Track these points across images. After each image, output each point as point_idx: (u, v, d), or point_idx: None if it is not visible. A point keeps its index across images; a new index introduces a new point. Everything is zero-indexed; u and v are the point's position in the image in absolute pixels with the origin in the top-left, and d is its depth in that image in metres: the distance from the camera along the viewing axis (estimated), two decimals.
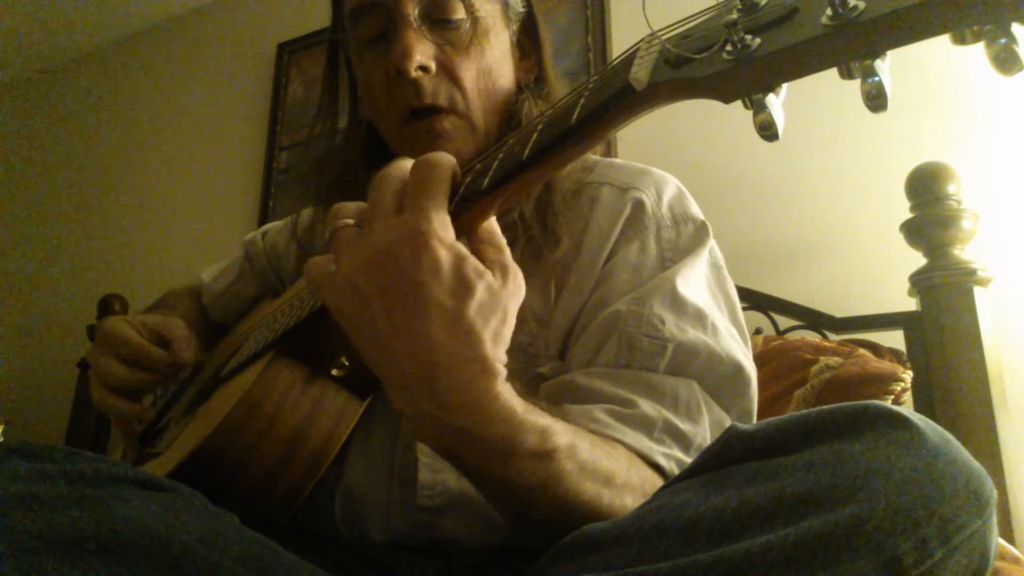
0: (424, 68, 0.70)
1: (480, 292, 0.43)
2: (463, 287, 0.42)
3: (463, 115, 0.73)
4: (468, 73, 0.72)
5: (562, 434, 0.49)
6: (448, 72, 0.72)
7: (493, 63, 0.75)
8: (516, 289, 0.46)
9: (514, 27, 0.79)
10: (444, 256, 0.42)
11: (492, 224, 0.47)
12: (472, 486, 0.63)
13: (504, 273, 0.45)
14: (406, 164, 0.46)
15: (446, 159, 0.45)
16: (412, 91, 0.70)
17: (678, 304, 0.64)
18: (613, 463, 0.54)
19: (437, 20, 0.72)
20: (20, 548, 0.37)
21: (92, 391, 0.77)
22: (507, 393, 0.46)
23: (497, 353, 0.45)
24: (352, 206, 0.47)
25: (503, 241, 0.47)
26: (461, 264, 0.43)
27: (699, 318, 0.64)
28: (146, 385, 0.75)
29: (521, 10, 0.80)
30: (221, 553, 0.42)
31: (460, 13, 0.72)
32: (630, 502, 0.52)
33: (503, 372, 0.46)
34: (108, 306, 2.02)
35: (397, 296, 0.42)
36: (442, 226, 0.43)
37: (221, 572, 0.41)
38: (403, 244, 0.42)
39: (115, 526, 0.39)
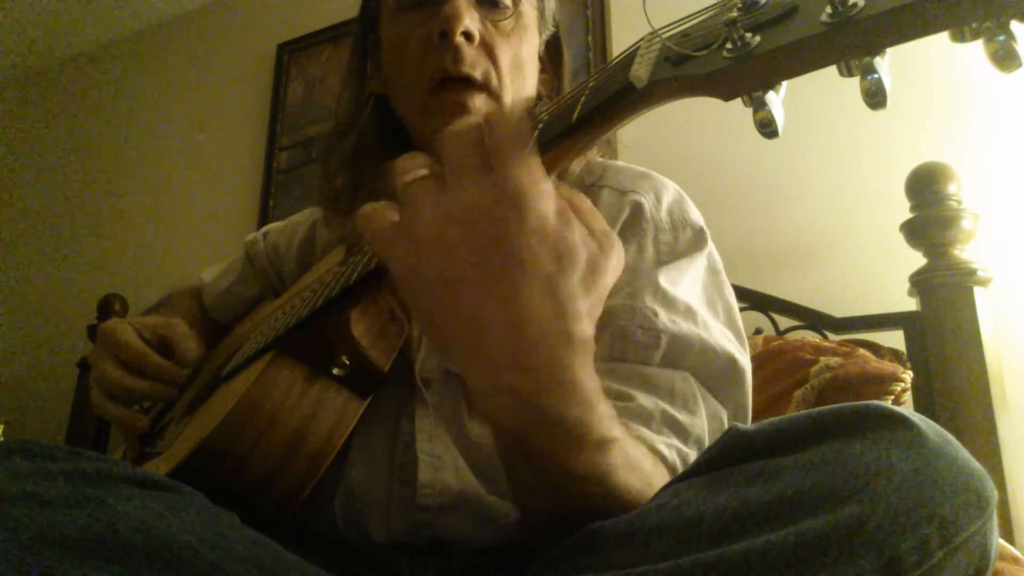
0: (468, 35, 0.71)
1: (583, 262, 0.40)
2: (569, 254, 0.39)
3: (495, 95, 0.73)
4: (505, 56, 0.73)
5: (618, 424, 0.47)
6: (487, 49, 0.73)
7: (526, 59, 0.76)
8: (618, 263, 0.43)
9: (543, 38, 0.81)
10: (552, 218, 0.39)
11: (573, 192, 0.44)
12: (475, 484, 0.63)
13: (608, 243, 0.42)
14: (475, 120, 0.42)
15: (526, 115, 0.41)
16: (451, 56, 0.71)
17: (668, 300, 0.64)
18: (648, 462, 0.52)
19: (486, 0, 0.74)
20: (20, 547, 0.37)
21: (91, 393, 0.77)
22: (593, 372, 0.43)
23: (591, 329, 0.42)
24: (422, 158, 0.43)
25: (589, 204, 0.44)
26: (567, 229, 0.39)
27: (689, 313, 0.64)
28: (141, 392, 0.74)
29: (552, 28, 0.83)
30: (222, 552, 0.42)
31: (508, 0, 0.74)
32: None
33: (593, 348, 0.43)
34: (108, 306, 2.02)
35: (496, 259, 0.38)
36: (546, 184, 0.39)
37: (221, 572, 0.41)
38: (506, 202, 0.38)
39: (115, 525, 0.39)
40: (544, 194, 0.39)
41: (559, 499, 0.48)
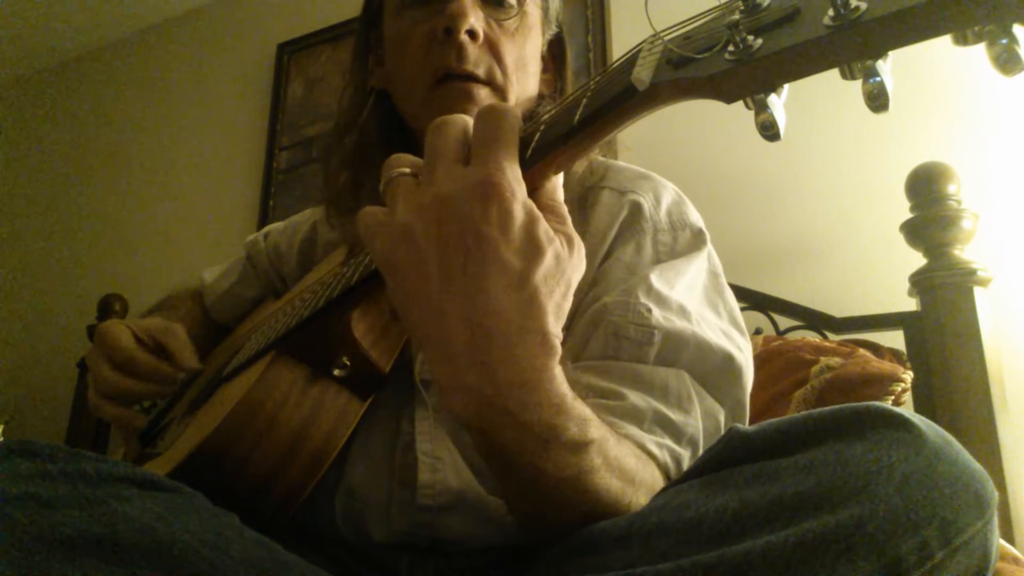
0: (472, 34, 0.71)
1: (549, 258, 0.39)
2: (533, 249, 0.39)
3: (500, 90, 0.73)
4: (510, 54, 0.74)
5: (597, 426, 0.47)
6: (492, 47, 0.73)
7: (529, 58, 0.77)
8: (579, 262, 0.42)
9: (546, 38, 0.82)
10: (517, 212, 0.38)
11: (555, 192, 0.44)
12: (475, 484, 0.63)
13: (570, 243, 0.42)
14: (464, 116, 0.43)
15: (514, 110, 0.41)
16: (455, 54, 0.71)
17: (662, 298, 0.64)
18: (632, 460, 0.52)
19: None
20: (20, 548, 0.37)
21: (88, 394, 0.77)
22: (560, 375, 0.43)
23: (557, 329, 0.41)
24: (408, 157, 0.44)
25: (565, 211, 0.44)
26: (533, 224, 0.39)
27: (683, 312, 0.64)
28: (136, 393, 0.74)
29: (555, 28, 0.83)
30: (221, 553, 0.42)
31: (513, 0, 0.75)
32: (644, 502, 0.51)
33: (560, 351, 0.42)
34: (108, 306, 2.02)
35: (458, 250, 0.38)
36: (516, 179, 0.39)
37: (221, 572, 0.41)
38: (471, 194, 0.38)
39: (115, 526, 0.39)
40: (511, 189, 0.39)
41: (536, 497, 0.48)
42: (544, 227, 0.40)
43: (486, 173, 0.39)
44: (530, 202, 0.40)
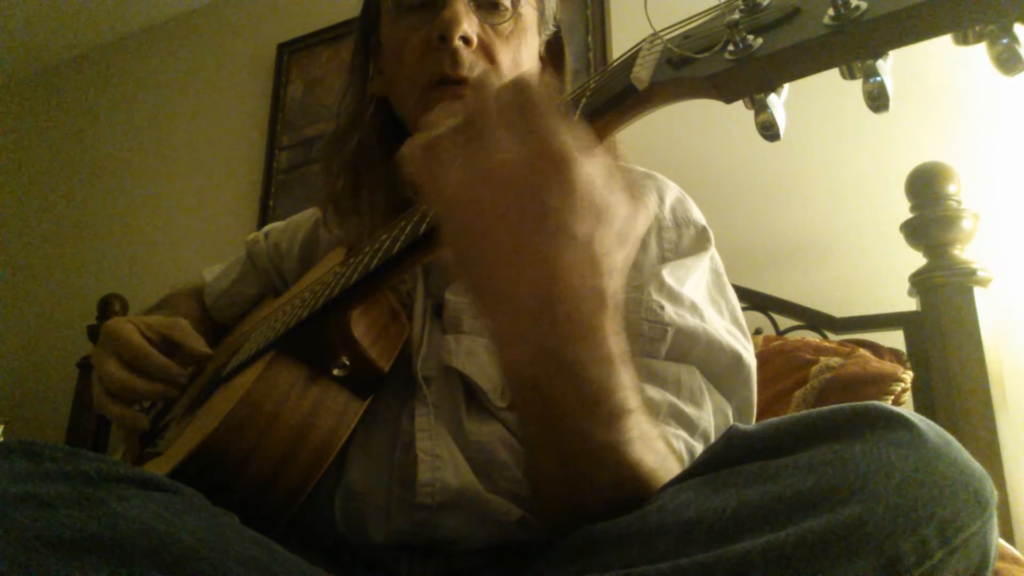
0: (466, 39, 0.71)
1: (613, 220, 0.40)
2: (601, 213, 0.39)
3: None
4: (505, 58, 0.74)
5: (637, 400, 0.47)
6: (487, 51, 0.73)
7: (526, 60, 0.77)
8: (645, 217, 0.42)
9: (543, 39, 0.82)
10: (586, 177, 0.38)
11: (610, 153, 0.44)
12: (475, 483, 0.63)
13: (638, 195, 0.42)
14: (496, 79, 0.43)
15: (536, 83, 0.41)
16: (449, 60, 0.71)
17: (674, 295, 0.64)
18: (662, 443, 0.52)
19: (484, 3, 0.74)
20: (20, 548, 0.37)
21: (93, 391, 0.77)
22: (620, 334, 0.44)
23: (618, 286, 0.42)
24: (447, 116, 0.44)
25: (621, 166, 0.44)
26: (600, 187, 0.39)
27: (695, 309, 0.65)
28: (144, 392, 0.74)
29: (552, 28, 0.83)
30: (221, 553, 0.42)
31: (507, 2, 0.75)
32: None
33: (613, 306, 0.43)
34: (108, 306, 2.02)
35: (527, 217, 0.39)
36: (576, 144, 0.39)
37: (221, 572, 0.41)
38: (540, 160, 0.38)
39: (115, 526, 0.39)
40: (576, 153, 0.38)
41: (572, 465, 0.48)
42: (610, 188, 0.40)
43: (551, 137, 0.38)
44: (592, 163, 0.40)
